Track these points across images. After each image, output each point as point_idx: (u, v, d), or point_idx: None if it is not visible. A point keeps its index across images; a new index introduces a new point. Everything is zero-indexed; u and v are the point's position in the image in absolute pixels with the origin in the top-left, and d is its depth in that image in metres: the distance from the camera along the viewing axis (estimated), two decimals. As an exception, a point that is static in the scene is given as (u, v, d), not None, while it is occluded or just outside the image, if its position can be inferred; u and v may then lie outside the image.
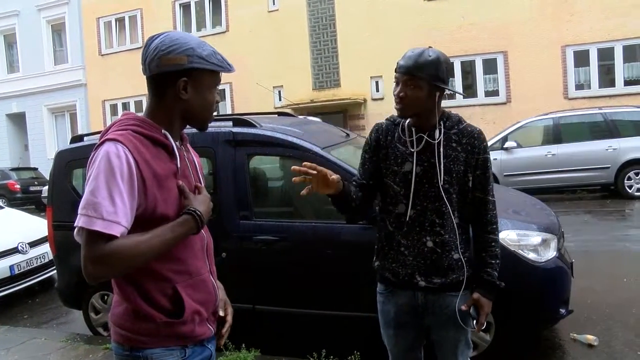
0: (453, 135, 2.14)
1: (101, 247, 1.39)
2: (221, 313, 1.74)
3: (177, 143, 1.62)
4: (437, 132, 2.12)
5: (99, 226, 1.38)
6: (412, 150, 2.14)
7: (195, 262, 1.63)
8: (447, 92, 2.16)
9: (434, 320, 2.24)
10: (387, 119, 2.31)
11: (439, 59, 2.07)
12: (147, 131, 1.52)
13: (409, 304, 2.23)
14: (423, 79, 2.04)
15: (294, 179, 2.03)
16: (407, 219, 2.16)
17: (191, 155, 1.72)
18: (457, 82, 15.14)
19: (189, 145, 1.73)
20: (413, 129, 2.16)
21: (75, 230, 1.44)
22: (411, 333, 2.30)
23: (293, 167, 1.98)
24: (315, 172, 1.97)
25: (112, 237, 1.40)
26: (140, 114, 1.60)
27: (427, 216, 2.14)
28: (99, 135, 1.57)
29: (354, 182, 2.30)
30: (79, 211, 1.42)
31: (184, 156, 1.64)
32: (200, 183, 1.71)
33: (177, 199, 1.55)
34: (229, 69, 1.61)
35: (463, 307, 2.14)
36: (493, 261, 2.17)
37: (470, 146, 2.13)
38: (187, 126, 1.69)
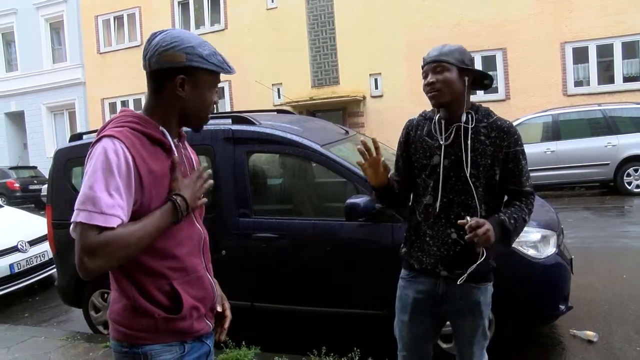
0: (482, 129, 2.17)
1: (95, 237, 1.38)
2: (219, 309, 1.75)
3: (175, 140, 1.61)
4: (463, 116, 2.16)
5: (98, 220, 1.38)
6: (441, 143, 2.19)
7: (191, 259, 1.63)
8: (485, 83, 2.29)
9: (453, 308, 2.27)
10: (420, 115, 2.37)
11: (461, 47, 2.19)
12: (144, 128, 1.52)
13: (429, 290, 2.27)
14: (451, 62, 2.12)
15: (357, 162, 2.18)
16: (434, 210, 2.21)
17: (188, 153, 1.72)
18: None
19: (186, 143, 1.73)
20: (443, 122, 2.20)
21: (72, 225, 1.43)
22: (426, 321, 2.32)
23: (358, 147, 2.15)
24: (374, 154, 2.13)
25: (108, 230, 1.40)
26: (138, 112, 1.60)
27: (454, 209, 2.18)
28: (97, 133, 1.57)
29: (394, 179, 2.39)
30: (77, 206, 1.41)
31: (181, 153, 1.64)
32: None
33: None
34: (229, 70, 1.60)
35: (460, 222, 2.03)
36: (512, 214, 2.12)
37: (499, 140, 2.15)
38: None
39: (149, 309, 1.53)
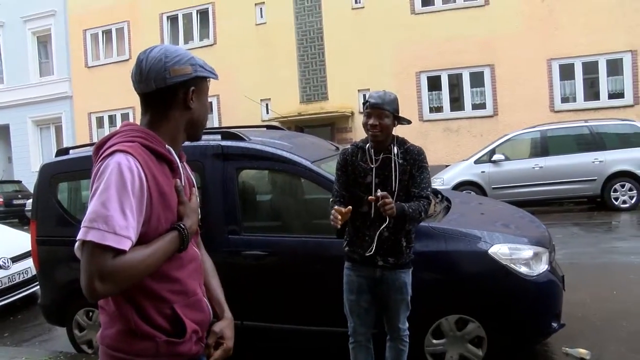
0: (401, 154, 2.94)
1: (110, 262, 1.33)
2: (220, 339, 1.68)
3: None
4: (394, 148, 2.93)
5: (111, 241, 1.32)
6: (372, 166, 2.92)
7: (191, 282, 1.59)
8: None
9: (386, 288, 2.99)
10: (351, 145, 3.07)
11: (396, 97, 2.95)
12: (152, 145, 1.48)
13: (369, 276, 2.99)
14: (389, 111, 2.87)
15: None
16: (369, 216, 2.89)
17: (187, 172, 1.69)
18: (444, 96, 15.26)
19: (185, 163, 1.69)
20: (372, 151, 2.94)
21: (78, 243, 1.36)
22: (367, 298, 3.04)
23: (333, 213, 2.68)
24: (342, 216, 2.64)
25: (120, 253, 1.34)
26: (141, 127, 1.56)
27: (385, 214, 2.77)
28: (96, 145, 1.52)
29: (337, 200, 2.99)
30: (86, 224, 1.34)
31: (182, 174, 1.61)
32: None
33: (176, 217, 1.52)
34: (217, 76, 1.66)
35: (370, 198, 2.74)
36: (412, 205, 2.80)
37: (412, 160, 2.93)
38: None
39: (150, 332, 1.47)
